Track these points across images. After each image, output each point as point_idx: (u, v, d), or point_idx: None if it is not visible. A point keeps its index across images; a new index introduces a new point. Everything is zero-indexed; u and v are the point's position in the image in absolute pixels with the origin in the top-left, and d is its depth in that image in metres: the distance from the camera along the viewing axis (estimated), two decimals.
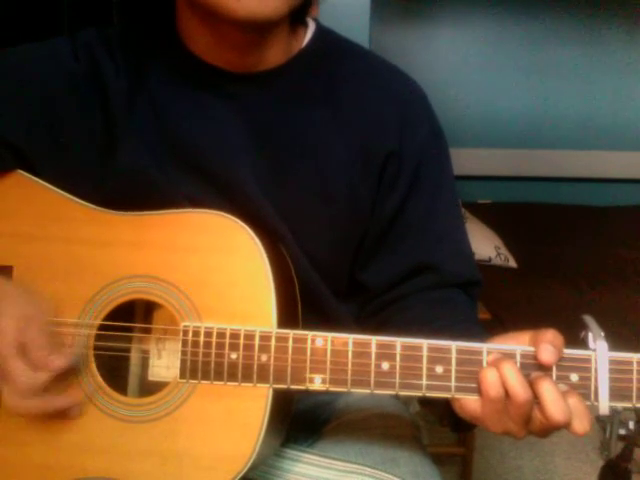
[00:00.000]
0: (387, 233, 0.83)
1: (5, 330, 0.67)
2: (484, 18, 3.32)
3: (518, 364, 0.63)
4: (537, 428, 0.62)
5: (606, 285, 2.49)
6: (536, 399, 0.61)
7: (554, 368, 0.63)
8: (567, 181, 3.38)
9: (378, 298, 0.85)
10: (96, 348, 0.73)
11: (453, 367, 0.64)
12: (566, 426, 0.60)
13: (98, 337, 0.73)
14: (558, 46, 3.30)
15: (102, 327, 0.73)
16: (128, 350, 0.76)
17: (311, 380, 0.67)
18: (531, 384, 0.61)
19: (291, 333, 0.68)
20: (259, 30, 0.74)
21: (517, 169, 3.35)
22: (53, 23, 2.21)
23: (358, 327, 0.86)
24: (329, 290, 0.83)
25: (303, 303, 0.77)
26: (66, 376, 0.71)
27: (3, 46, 0.83)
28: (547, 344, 0.61)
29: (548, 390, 0.60)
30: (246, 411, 0.69)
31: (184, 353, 0.70)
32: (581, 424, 0.60)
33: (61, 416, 0.71)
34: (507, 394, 0.61)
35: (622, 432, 1.92)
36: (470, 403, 0.64)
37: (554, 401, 0.60)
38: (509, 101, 3.35)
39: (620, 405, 0.62)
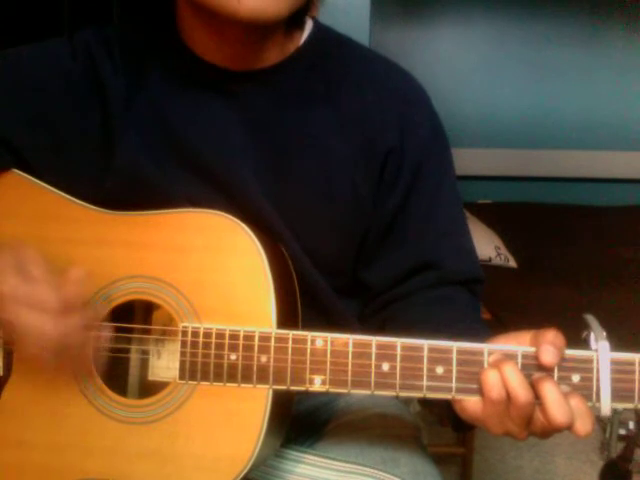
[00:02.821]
0: (389, 231, 0.83)
1: (8, 280, 0.66)
2: (484, 18, 3.32)
3: (519, 365, 0.62)
4: (538, 429, 0.62)
5: (606, 285, 2.49)
6: (538, 400, 0.61)
7: (555, 369, 0.62)
8: (567, 181, 3.38)
9: (380, 296, 0.85)
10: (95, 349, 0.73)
11: (454, 368, 0.64)
12: (568, 428, 0.60)
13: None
14: (558, 46, 3.29)
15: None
16: (127, 351, 0.76)
17: (311, 381, 0.67)
18: (533, 385, 0.61)
19: (291, 334, 0.68)
20: (259, 29, 0.74)
21: (517, 169, 3.34)
22: (53, 23, 2.21)
23: (360, 325, 0.86)
24: (331, 288, 0.83)
25: (304, 302, 0.76)
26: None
27: (3, 46, 0.83)
28: (548, 345, 0.61)
29: (550, 391, 0.60)
30: (246, 412, 0.69)
31: (183, 354, 0.70)
32: (583, 425, 0.60)
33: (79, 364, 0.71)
34: (508, 395, 0.61)
35: (622, 432, 1.92)
36: (471, 404, 0.64)
37: (556, 402, 0.59)
38: (509, 101, 3.35)
39: (622, 406, 0.62)
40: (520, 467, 2.08)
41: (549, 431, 0.62)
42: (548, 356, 0.61)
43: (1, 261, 0.67)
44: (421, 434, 0.90)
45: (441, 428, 1.98)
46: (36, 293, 0.65)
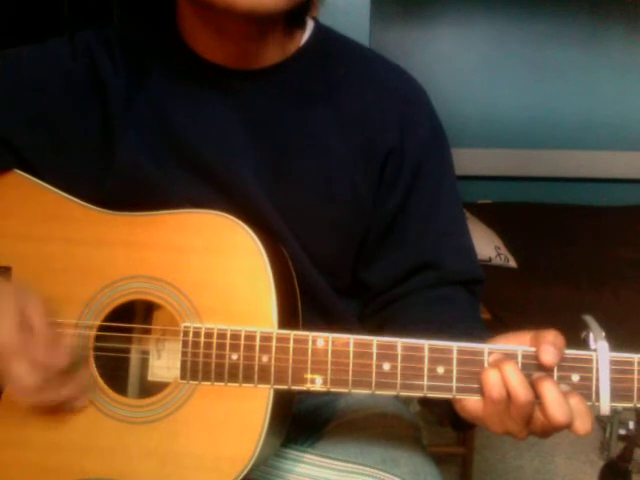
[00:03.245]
0: (389, 231, 0.83)
1: (6, 328, 0.66)
2: (484, 18, 3.32)
3: (519, 365, 0.62)
4: (538, 429, 0.62)
5: (606, 285, 2.49)
6: (537, 400, 0.61)
7: (555, 368, 0.62)
8: (567, 181, 3.38)
9: (380, 296, 0.85)
10: (96, 349, 0.73)
11: (454, 367, 0.64)
12: (568, 427, 0.60)
13: (98, 338, 0.73)
14: (558, 46, 3.30)
15: (102, 328, 0.73)
16: (128, 351, 0.76)
17: (312, 381, 0.67)
18: (533, 385, 0.61)
19: (292, 334, 0.68)
20: (258, 23, 0.74)
21: (517, 169, 3.34)
22: (53, 23, 2.21)
23: (360, 325, 0.86)
24: (331, 288, 0.83)
25: (304, 302, 0.76)
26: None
27: (3, 46, 0.83)
28: (548, 345, 0.61)
29: (550, 391, 0.60)
30: (247, 412, 0.69)
31: (184, 354, 0.70)
32: (583, 424, 0.60)
33: (66, 409, 0.71)
34: (508, 395, 0.61)
35: (622, 432, 1.93)
36: (471, 403, 0.64)
37: (555, 401, 0.60)
38: (509, 101, 3.35)
39: (621, 405, 0.62)
40: (520, 467, 2.08)
41: (549, 430, 0.62)
42: (548, 356, 0.61)
43: (3, 305, 0.68)
44: (421, 434, 0.90)
45: (441, 428, 1.98)
46: (16, 370, 0.66)
